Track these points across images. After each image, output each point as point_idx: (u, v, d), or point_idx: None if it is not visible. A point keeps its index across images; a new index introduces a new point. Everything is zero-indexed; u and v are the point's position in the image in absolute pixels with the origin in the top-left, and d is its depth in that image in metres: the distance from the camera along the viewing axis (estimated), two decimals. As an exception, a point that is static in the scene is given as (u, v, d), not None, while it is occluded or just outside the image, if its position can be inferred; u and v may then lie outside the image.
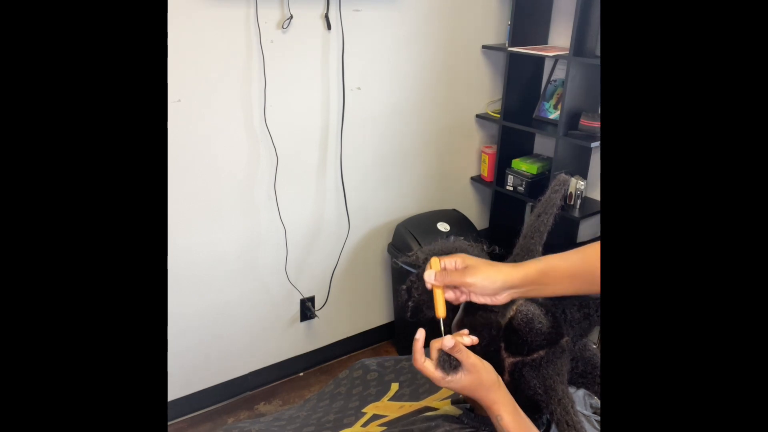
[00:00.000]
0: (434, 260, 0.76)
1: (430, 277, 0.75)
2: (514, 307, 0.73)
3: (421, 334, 0.74)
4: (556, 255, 0.77)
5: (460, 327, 0.80)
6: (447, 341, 0.72)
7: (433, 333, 0.76)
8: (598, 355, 0.79)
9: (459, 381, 0.73)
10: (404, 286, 0.86)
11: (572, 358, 0.77)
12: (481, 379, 0.72)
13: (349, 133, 1.93)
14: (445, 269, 0.76)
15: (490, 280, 0.73)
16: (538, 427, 0.77)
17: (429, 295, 0.79)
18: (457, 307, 0.82)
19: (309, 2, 1.70)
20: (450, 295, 0.77)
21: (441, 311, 0.76)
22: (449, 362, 0.71)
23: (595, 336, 0.78)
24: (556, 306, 0.77)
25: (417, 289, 0.81)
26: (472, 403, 0.87)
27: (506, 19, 2.17)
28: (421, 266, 0.81)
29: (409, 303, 0.84)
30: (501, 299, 0.74)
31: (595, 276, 0.74)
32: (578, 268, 0.75)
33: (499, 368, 0.75)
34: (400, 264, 0.82)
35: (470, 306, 0.81)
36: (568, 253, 0.77)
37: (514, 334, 0.72)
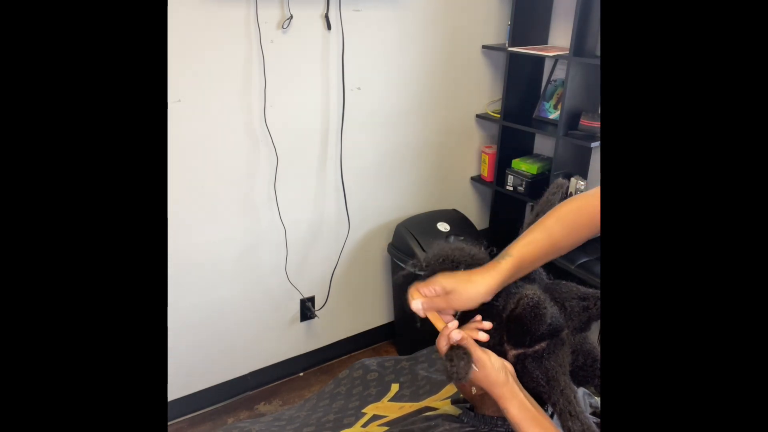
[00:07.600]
0: (413, 292, 0.80)
1: (417, 307, 0.79)
2: (517, 298, 0.74)
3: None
4: (522, 241, 0.80)
5: (462, 321, 0.81)
6: (454, 334, 0.74)
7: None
8: (598, 348, 0.80)
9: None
10: None
11: (572, 351, 0.77)
12: (486, 373, 0.73)
13: (349, 133, 1.93)
14: (426, 297, 0.79)
15: (471, 299, 0.76)
16: None
17: None
18: None
19: (309, 2, 1.70)
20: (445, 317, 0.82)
21: (441, 326, 0.80)
22: (459, 355, 0.74)
23: (594, 336, 0.78)
24: (557, 299, 0.78)
25: None
26: (473, 402, 0.87)
27: (506, 19, 2.16)
28: (425, 272, 0.82)
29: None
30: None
31: (561, 247, 0.81)
32: (545, 246, 0.80)
33: None
34: (406, 268, 0.84)
35: None
36: (532, 234, 0.80)
37: (517, 324, 0.73)
